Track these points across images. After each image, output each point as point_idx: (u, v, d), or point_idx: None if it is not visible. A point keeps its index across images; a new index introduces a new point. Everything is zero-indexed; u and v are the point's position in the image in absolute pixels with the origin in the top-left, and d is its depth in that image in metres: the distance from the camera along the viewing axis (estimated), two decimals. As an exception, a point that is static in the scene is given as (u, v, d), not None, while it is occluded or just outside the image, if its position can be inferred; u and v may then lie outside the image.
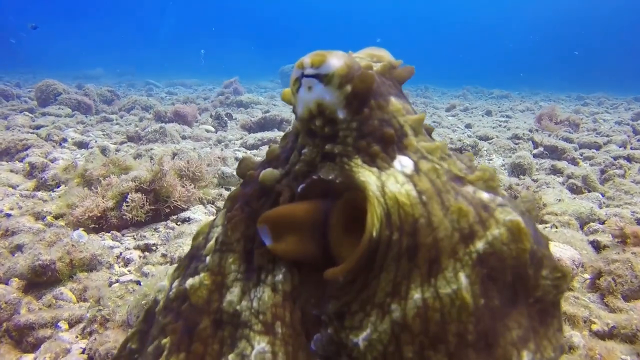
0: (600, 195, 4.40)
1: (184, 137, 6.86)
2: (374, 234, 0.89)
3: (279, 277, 0.98)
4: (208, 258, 1.07)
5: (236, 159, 5.80)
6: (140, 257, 2.76)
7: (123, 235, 3.16)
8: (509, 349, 0.89)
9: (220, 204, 3.92)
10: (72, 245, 2.35)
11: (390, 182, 0.94)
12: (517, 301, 0.92)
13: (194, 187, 3.67)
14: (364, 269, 0.91)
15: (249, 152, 6.33)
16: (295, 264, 0.99)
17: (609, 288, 2.08)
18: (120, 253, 2.78)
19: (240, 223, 1.05)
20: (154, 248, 2.94)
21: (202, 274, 1.02)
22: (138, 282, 2.23)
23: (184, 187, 3.58)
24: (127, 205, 3.14)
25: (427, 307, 0.87)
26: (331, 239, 0.97)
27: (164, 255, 2.63)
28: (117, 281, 2.32)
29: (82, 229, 2.89)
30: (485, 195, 0.96)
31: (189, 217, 3.45)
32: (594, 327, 1.83)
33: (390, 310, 0.88)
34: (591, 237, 2.93)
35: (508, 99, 21.13)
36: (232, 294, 0.99)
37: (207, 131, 7.57)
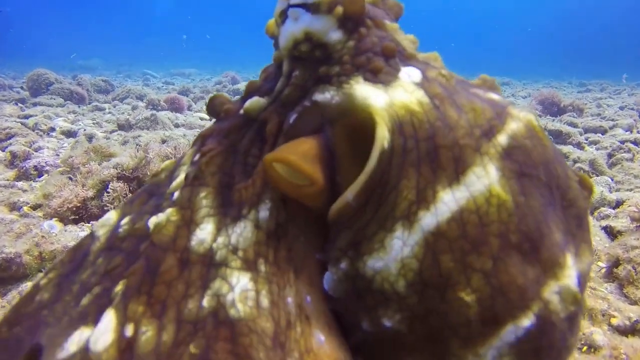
0: (609, 180, 4.20)
1: (176, 125, 6.66)
2: (385, 144, 0.82)
3: (263, 213, 0.88)
4: (176, 194, 0.92)
5: (230, 146, 5.62)
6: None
7: (104, 225, 2.97)
8: (554, 251, 0.84)
9: (210, 192, 3.75)
10: (42, 236, 2.16)
11: (398, 92, 0.89)
12: (554, 202, 0.89)
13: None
14: (378, 183, 0.83)
15: (243, 139, 6.15)
16: (282, 199, 0.89)
17: (628, 277, 1.89)
18: (98, 244, 2.60)
19: (217, 156, 0.94)
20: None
21: (169, 210, 0.88)
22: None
23: None
24: (107, 195, 2.95)
25: (462, 208, 0.81)
26: (341, 172, 0.89)
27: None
28: (90, 275, 2.13)
29: (56, 219, 2.70)
30: (495, 95, 0.96)
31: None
32: (614, 322, 1.64)
33: (418, 218, 0.81)
34: (603, 223, 2.74)
35: (509, 86, 20.85)
36: (204, 231, 0.86)
37: (201, 119, 7.37)
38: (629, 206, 2.76)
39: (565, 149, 5.61)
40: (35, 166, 3.85)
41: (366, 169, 0.82)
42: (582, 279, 0.89)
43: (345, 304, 0.88)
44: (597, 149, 5.93)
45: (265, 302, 0.80)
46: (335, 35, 0.93)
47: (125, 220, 0.96)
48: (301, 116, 0.93)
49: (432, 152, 0.84)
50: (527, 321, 0.80)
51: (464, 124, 0.87)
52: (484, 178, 0.83)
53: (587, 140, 6.54)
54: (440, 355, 0.83)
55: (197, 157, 0.97)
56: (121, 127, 6.14)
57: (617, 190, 3.92)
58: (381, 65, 0.93)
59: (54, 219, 2.68)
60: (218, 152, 0.95)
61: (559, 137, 6.39)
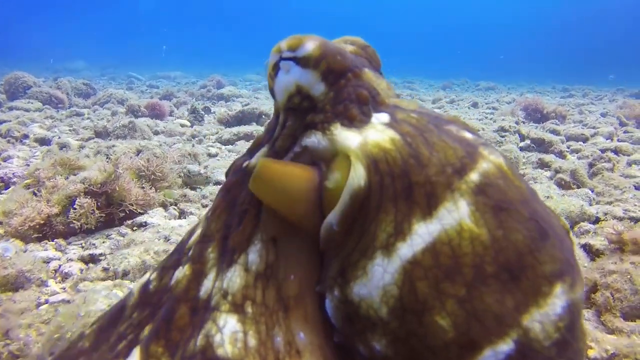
0: (590, 191, 4.17)
1: (156, 133, 6.53)
2: (362, 183, 0.91)
3: (252, 255, 0.97)
4: (191, 250, 1.06)
5: (209, 154, 5.50)
6: (81, 270, 2.45)
7: (69, 243, 2.85)
8: (538, 281, 0.87)
9: (184, 205, 3.63)
10: (-5, 260, 2.04)
11: (370, 133, 0.97)
12: (547, 237, 0.90)
13: (154, 189, 3.36)
14: (359, 215, 0.92)
15: (223, 147, 6.02)
16: (272, 239, 0.98)
17: (606, 304, 1.83)
18: (59, 266, 2.48)
19: (222, 212, 1.06)
20: (101, 258, 2.64)
21: (185, 266, 1.02)
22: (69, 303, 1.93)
23: (142, 188, 3.27)
24: (74, 212, 2.83)
25: (435, 240, 0.87)
26: (325, 201, 0.96)
27: (105, 270, 2.33)
28: (46, 302, 2.02)
29: (15, 239, 2.57)
30: (468, 134, 0.99)
31: (145, 222, 3.15)
32: (591, 353, 1.58)
33: (396, 248, 0.88)
34: (582, 240, 2.69)
35: (494, 91, 20.97)
36: (209, 280, 0.99)
37: (182, 125, 7.24)
38: (607, 223, 2.72)
39: (548, 157, 5.60)
40: (2, 177, 3.71)
41: (341, 200, 0.92)
42: (574, 308, 0.90)
43: (344, 330, 0.94)
44: (579, 158, 5.93)
45: (252, 342, 0.89)
46: (320, 88, 1.03)
47: (154, 275, 1.11)
48: (293, 160, 1.02)
49: (407, 188, 0.91)
50: (505, 347, 0.84)
51: (436, 162, 0.91)
52: (455, 212, 0.87)
53: (569, 148, 6.54)
54: None
55: (209, 212, 1.10)
56: (98, 134, 6.00)
57: (598, 202, 3.88)
58: (355, 112, 1.01)
59: (11, 240, 2.56)
60: (222, 210, 1.07)
61: (542, 145, 6.39)
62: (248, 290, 0.95)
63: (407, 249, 0.87)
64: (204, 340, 0.90)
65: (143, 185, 3.30)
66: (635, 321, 1.75)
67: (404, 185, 0.91)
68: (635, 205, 3.49)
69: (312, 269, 0.99)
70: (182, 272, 1.01)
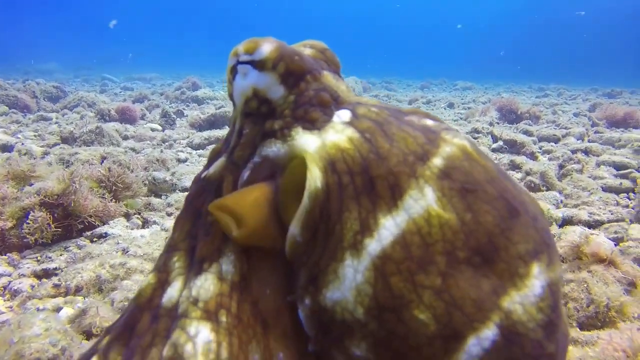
0: (558, 194, 4.20)
1: (125, 138, 6.39)
2: (319, 184, 0.89)
3: (227, 266, 0.94)
4: (156, 263, 1.05)
5: (178, 160, 5.39)
6: (31, 286, 2.35)
7: (24, 257, 2.75)
8: (513, 262, 0.86)
9: (148, 214, 3.54)
10: None
11: (329, 134, 0.95)
12: (517, 214, 0.88)
13: (116, 199, 3.26)
14: (320, 219, 0.89)
15: (194, 152, 5.92)
16: (245, 251, 0.96)
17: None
18: (9, 283, 2.37)
19: (185, 223, 1.05)
20: (57, 272, 2.54)
21: (149, 275, 1.00)
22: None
23: (103, 199, 3.17)
24: (27, 226, 2.72)
25: (404, 231, 0.85)
26: (282, 210, 0.95)
27: (56, 286, 2.24)
28: (-11, 323, 1.93)
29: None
30: (430, 122, 0.99)
31: (105, 233, 3.05)
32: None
33: (364, 246, 0.85)
34: (546, 246, 2.68)
35: (472, 91, 21.18)
36: (173, 288, 0.95)
37: (153, 130, 7.11)
38: (571, 228, 2.72)
39: (519, 159, 5.64)
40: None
41: (301, 207, 0.89)
42: (554, 287, 0.89)
43: (319, 339, 0.91)
44: (550, 159, 5.98)
45: (224, 354, 0.84)
46: (278, 91, 1.00)
47: None
48: (253, 172, 1.00)
49: (368, 184, 0.89)
50: (489, 332, 0.82)
51: (397, 152, 0.90)
52: (421, 200, 0.86)
53: (540, 149, 6.60)
54: None
55: (174, 223, 1.09)
56: (65, 140, 5.84)
57: (565, 205, 3.91)
58: (317, 114, 0.99)
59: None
60: (184, 220, 1.05)
61: (514, 146, 6.44)
62: (223, 299, 0.91)
63: (375, 244, 0.85)
64: (172, 351, 0.84)
65: (104, 195, 3.20)
66: (590, 331, 1.74)
67: (365, 181, 0.89)
68: (600, 208, 3.52)
69: (287, 282, 0.97)
70: (146, 281, 0.99)
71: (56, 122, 7.55)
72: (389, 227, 0.85)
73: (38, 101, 9.34)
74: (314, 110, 1.00)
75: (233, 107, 1.09)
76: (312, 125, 0.99)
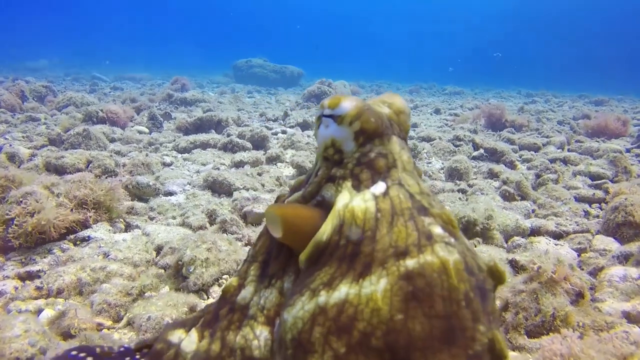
0: (530, 204, 4.34)
1: (112, 140, 6.45)
2: (324, 237, 1.06)
3: (288, 284, 1.17)
4: (240, 267, 1.34)
5: (163, 164, 5.48)
6: (15, 288, 2.44)
7: (8, 259, 2.83)
8: None
9: (130, 218, 3.62)
10: None
11: (357, 199, 1.09)
12: (453, 342, 0.93)
13: (95, 212, 3.34)
14: (314, 263, 1.07)
15: (179, 155, 6.00)
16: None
17: (514, 322, 1.94)
18: (-7, 285, 2.46)
19: (265, 239, 1.30)
20: (40, 274, 2.63)
21: (233, 278, 1.31)
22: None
23: (82, 213, 3.25)
24: (12, 230, 2.80)
25: (346, 300, 0.97)
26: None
27: (38, 288, 2.33)
28: (-29, 325, 2.01)
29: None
30: (437, 230, 1.05)
31: (89, 236, 3.14)
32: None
33: (319, 294, 1.00)
34: (511, 256, 2.82)
35: (461, 96, 21.42)
36: (246, 291, 1.24)
37: (140, 132, 7.17)
38: (537, 239, 2.85)
39: (497, 168, 5.79)
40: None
41: (307, 248, 1.08)
42: None
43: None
44: (529, 168, 6.14)
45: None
46: (350, 145, 1.16)
47: None
48: (315, 206, 1.19)
49: (354, 255, 1.03)
50: None
51: (386, 241, 1.02)
52: (373, 285, 0.96)
53: (520, 157, 6.76)
54: None
55: (259, 235, 1.34)
56: (52, 142, 5.89)
57: (536, 215, 4.05)
58: (366, 176, 1.13)
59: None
60: (265, 237, 1.31)
61: (494, 155, 6.59)
62: (280, 309, 1.15)
63: (324, 297, 1.00)
64: (243, 341, 1.17)
65: (83, 211, 3.27)
66: (537, 338, 1.86)
67: (353, 251, 1.03)
68: (567, 219, 3.66)
69: None
70: (230, 282, 1.30)
71: (44, 123, 7.60)
72: (341, 292, 0.99)
73: (26, 101, 9.36)
74: (367, 172, 1.14)
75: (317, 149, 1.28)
76: (359, 184, 1.13)
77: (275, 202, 1.34)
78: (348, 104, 1.15)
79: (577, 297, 2.03)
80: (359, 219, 1.06)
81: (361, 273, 1.00)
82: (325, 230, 1.07)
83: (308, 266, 1.09)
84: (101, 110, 7.36)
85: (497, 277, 1.07)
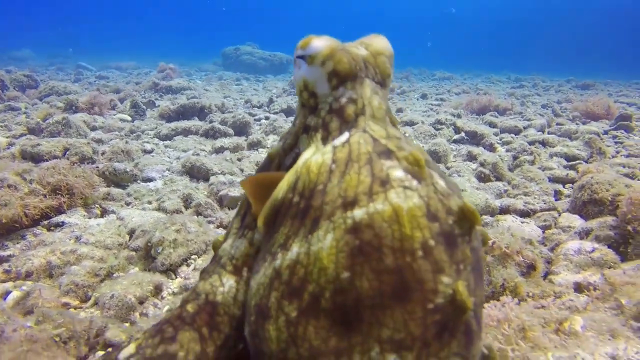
0: (503, 184, 4.42)
1: (94, 129, 6.44)
2: (279, 196, 1.03)
3: (258, 235, 1.16)
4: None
5: (144, 151, 5.49)
6: (-16, 273, 2.48)
7: (-20, 245, 2.86)
8: (370, 342, 0.86)
9: (106, 204, 3.66)
10: None
11: (317, 154, 1.04)
12: (407, 297, 0.86)
13: (70, 198, 3.36)
14: (272, 224, 1.04)
15: (161, 142, 6.02)
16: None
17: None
18: (-37, 269, 2.49)
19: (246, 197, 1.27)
20: (10, 259, 2.67)
21: (222, 234, 1.31)
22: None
23: (55, 199, 3.27)
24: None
25: (297, 261, 0.93)
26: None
27: (6, 272, 2.37)
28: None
29: None
30: (396, 173, 0.96)
31: (62, 222, 3.17)
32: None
33: (276, 258, 0.98)
34: (475, 233, 2.88)
35: (450, 81, 21.43)
36: (226, 243, 1.23)
37: (122, 120, 7.16)
38: (503, 217, 2.92)
39: (476, 150, 5.86)
40: None
41: (262, 211, 1.07)
42: None
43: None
44: (508, 150, 6.21)
45: (240, 297, 1.14)
46: (324, 87, 1.11)
47: None
48: (293, 160, 1.16)
49: (305, 210, 0.98)
50: None
51: (335, 192, 0.96)
52: (320, 242, 0.92)
53: (501, 140, 6.83)
54: None
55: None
56: (31, 130, 5.88)
57: (508, 195, 4.12)
58: (334, 126, 1.08)
59: None
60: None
61: (474, 138, 6.66)
62: (248, 259, 1.17)
63: (280, 261, 0.97)
64: (209, 287, 1.17)
65: (58, 192, 3.30)
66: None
67: (305, 207, 0.98)
68: (536, 198, 3.74)
69: None
70: (218, 237, 1.31)
71: (25, 112, 7.56)
72: (293, 252, 0.95)
73: (7, 90, 9.28)
74: (336, 120, 1.08)
75: None
76: (328, 135, 1.08)
77: (266, 158, 1.28)
78: (319, 43, 1.09)
79: (529, 270, 2.11)
80: (313, 173, 1.01)
81: (311, 229, 0.95)
82: (281, 188, 1.04)
83: (267, 231, 1.06)
84: (82, 100, 7.32)
85: (469, 219, 0.95)
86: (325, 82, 1.09)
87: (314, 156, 1.04)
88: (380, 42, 1.20)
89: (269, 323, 0.95)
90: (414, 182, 0.95)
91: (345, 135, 1.05)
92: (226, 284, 1.16)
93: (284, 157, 1.19)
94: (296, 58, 1.13)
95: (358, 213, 0.91)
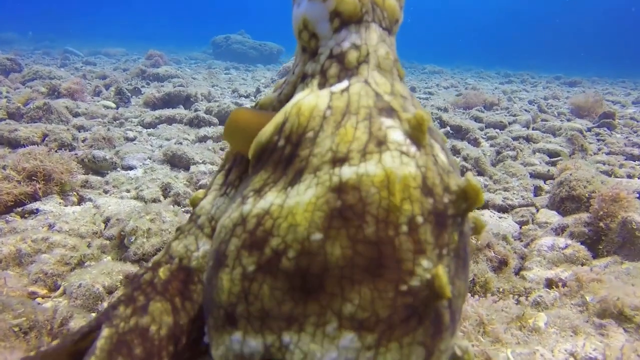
0: (484, 179, 4.44)
1: (76, 115, 6.34)
2: (263, 137, 0.95)
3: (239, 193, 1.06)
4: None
5: (126, 138, 5.43)
6: (-48, 260, 2.43)
7: (-49, 232, 2.80)
8: (328, 315, 0.79)
9: (84, 192, 3.61)
10: None
11: (311, 95, 0.95)
12: (380, 274, 0.79)
13: (45, 184, 3.31)
14: (255, 167, 0.96)
15: (144, 130, 5.95)
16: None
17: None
18: None
19: (231, 149, 1.19)
20: (-19, 247, 2.62)
21: (201, 190, 1.22)
22: None
23: (30, 185, 3.22)
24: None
25: (267, 211, 0.85)
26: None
27: (-27, 260, 2.33)
28: None
29: None
30: (395, 135, 0.88)
31: (37, 209, 3.12)
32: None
33: (246, 202, 0.91)
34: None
35: (440, 75, 21.45)
36: (206, 200, 1.16)
37: (106, 107, 7.06)
38: (480, 212, 2.92)
39: (460, 145, 5.87)
40: None
41: (250, 151, 0.99)
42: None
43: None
44: (492, 146, 6.24)
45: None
46: (325, 27, 1.00)
47: None
48: None
49: (289, 158, 0.90)
50: (256, 348, 0.84)
51: (326, 144, 0.87)
52: (299, 196, 0.83)
53: (485, 135, 6.86)
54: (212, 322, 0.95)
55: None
56: (11, 115, 5.77)
57: (489, 190, 4.14)
58: (333, 73, 0.99)
59: None
60: (232, 147, 1.18)
61: (459, 132, 6.67)
62: None
63: (249, 206, 0.89)
64: (183, 250, 1.11)
65: (34, 178, 3.25)
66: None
67: (290, 154, 0.90)
68: (515, 194, 3.76)
69: None
70: (197, 192, 1.24)
71: (6, 97, 7.42)
72: (266, 200, 0.87)
73: (-9, 74, 9.10)
74: (335, 66, 0.99)
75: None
76: (325, 81, 0.99)
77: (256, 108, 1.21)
78: None
79: (501, 265, 2.12)
80: (304, 117, 0.92)
81: (292, 180, 0.87)
82: (267, 128, 0.95)
83: (250, 168, 1.00)
84: (64, 85, 7.21)
85: (471, 198, 0.87)
86: (326, 21, 1.00)
87: (307, 97, 0.95)
88: None
89: (223, 272, 0.88)
90: (413, 148, 0.87)
91: (344, 83, 0.96)
92: (201, 248, 1.08)
93: (278, 109, 1.09)
94: None
95: (346, 171, 0.82)
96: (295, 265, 0.80)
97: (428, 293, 0.80)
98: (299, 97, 0.97)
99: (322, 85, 0.98)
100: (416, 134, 0.88)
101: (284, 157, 0.91)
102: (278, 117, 0.95)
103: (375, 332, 0.79)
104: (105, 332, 0.96)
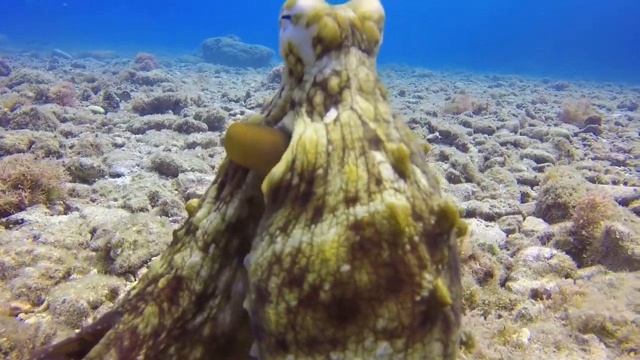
0: (471, 186, 4.46)
1: (64, 120, 6.29)
2: (276, 175, 1.00)
3: (230, 209, 1.18)
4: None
5: (114, 144, 5.39)
6: None
7: None
8: (365, 332, 0.92)
9: (71, 200, 3.58)
10: None
11: (309, 130, 1.02)
12: (399, 289, 0.93)
13: (32, 192, 3.28)
14: (273, 200, 1.02)
15: (133, 136, 5.92)
16: (249, 200, 1.17)
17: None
18: None
19: (226, 161, 1.25)
20: (-35, 259, 2.59)
21: (197, 200, 1.29)
22: None
23: (16, 194, 3.19)
24: None
25: (299, 249, 0.95)
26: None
27: (-45, 273, 2.30)
28: None
29: None
30: (386, 173, 0.99)
31: (22, 219, 3.09)
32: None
33: (275, 241, 0.98)
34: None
35: (430, 78, 21.55)
36: (200, 212, 1.23)
37: (94, 112, 7.01)
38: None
39: (449, 150, 5.90)
40: None
41: (263, 185, 1.03)
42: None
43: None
44: (480, 151, 6.28)
45: (203, 273, 1.18)
46: (309, 53, 1.06)
47: None
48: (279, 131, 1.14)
49: (306, 196, 0.99)
50: None
51: (337, 183, 0.97)
52: (323, 235, 0.94)
53: (474, 140, 6.91)
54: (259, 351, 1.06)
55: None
56: (-3, 121, 5.72)
57: (476, 197, 4.17)
58: (319, 101, 1.05)
59: None
60: (227, 159, 1.25)
61: (447, 137, 6.71)
62: (217, 235, 1.19)
63: (280, 245, 0.98)
64: (180, 260, 1.22)
65: (20, 186, 3.22)
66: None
67: (306, 191, 0.99)
68: (502, 201, 3.79)
69: None
70: (193, 202, 1.31)
71: (-7, 102, 7.34)
72: (295, 239, 0.97)
73: (-23, 78, 8.99)
74: (320, 94, 1.05)
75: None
76: (312, 110, 1.05)
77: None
78: (305, 3, 1.04)
79: (486, 277, 2.13)
80: (310, 154, 1.00)
81: (313, 218, 0.97)
82: (280, 166, 1.01)
83: (268, 204, 1.05)
84: (52, 90, 7.15)
85: (449, 219, 0.99)
86: (309, 47, 1.06)
87: (306, 132, 1.02)
88: (368, 4, 1.13)
89: (269, 307, 0.98)
90: (401, 183, 0.99)
91: (333, 112, 1.04)
92: (192, 259, 1.19)
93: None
94: (281, 19, 1.09)
95: (360, 211, 0.95)
96: (331, 296, 0.92)
97: (435, 301, 0.95)
98: (299, 132, 1.04)
99: (310, 114, 1.05)
100: (400, 166, 1.00)
101: (300, 194, 0.99)
102: (287, 155, 1.01)
103: (403, 337, 0.94)
104: (108, 333, 1.23)
